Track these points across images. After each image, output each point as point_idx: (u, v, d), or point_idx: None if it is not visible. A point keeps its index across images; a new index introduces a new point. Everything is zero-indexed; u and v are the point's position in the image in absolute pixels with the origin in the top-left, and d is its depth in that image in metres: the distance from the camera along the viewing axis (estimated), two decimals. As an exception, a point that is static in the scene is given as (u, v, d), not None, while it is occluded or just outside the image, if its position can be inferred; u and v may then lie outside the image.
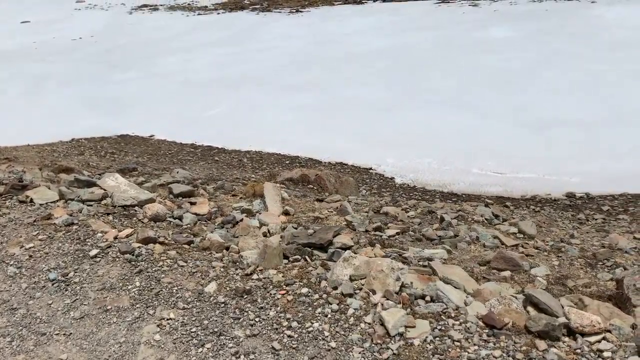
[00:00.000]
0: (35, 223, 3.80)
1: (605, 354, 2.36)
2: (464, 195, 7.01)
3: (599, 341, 2.44)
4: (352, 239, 3.98)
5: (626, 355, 2.34)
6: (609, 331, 2.51)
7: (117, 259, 3.34)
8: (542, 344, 2.42)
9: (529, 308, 2.78)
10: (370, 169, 8.03)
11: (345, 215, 4.94)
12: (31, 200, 4.22)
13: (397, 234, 4.56)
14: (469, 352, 2.40)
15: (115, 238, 3.58)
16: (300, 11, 21.93)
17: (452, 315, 2.66)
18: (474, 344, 2.45)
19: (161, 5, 26.29)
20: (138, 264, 3.28)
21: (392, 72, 12.67)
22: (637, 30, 14.09)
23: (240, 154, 8.80)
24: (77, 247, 3.47)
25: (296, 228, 4.34)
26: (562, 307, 2.71)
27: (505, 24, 16.34)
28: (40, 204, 4.18)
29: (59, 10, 26.22)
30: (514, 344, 2.44)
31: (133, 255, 3.35)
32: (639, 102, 9.57)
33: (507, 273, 3.59)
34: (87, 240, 3.56)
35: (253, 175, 7.66)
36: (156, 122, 10.27)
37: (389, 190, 7.22)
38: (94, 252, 3.39)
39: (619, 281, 3.14)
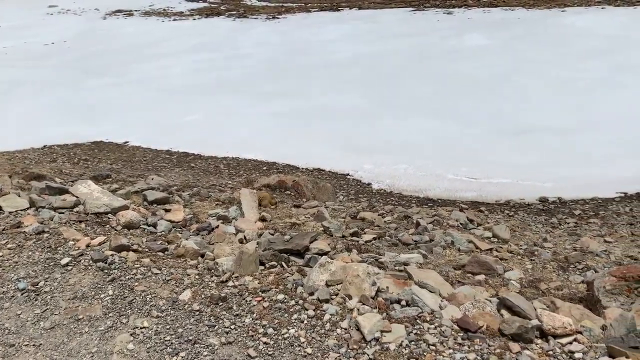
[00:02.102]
0: (4, 232, 3.70)
1: (577, 355, 2.40)
2: (439, 201, 7.09)
3: (571, 342, 2.48)
4: (329, 244, 3.99)
5: (597, 356, 2.38)
6: (580, 332, 2.56)
7: (90, 268, 3.27)
8: (515, 347, 2.45)
9: (503, 311, 2.81)
10: (348, 175, 8.06)
11: (322, 221, 4.94)
12: (0, 209, 4.12)
13: (374, 239, 4.59)
14: (444, 356, 2.42)
15: (88, 246, 3.51)
16: (277, 17, 21.96)
17: (428, 319, 2.67)
18: (449, 348, 2.47)
19: (136, 10, 26.03)
20: (111, 272, 3.22)
21: (368, 79, 12.76)
22: (606, 38, 14.48)
23: (217, 160, 8.74)
24: (48, 256, 3.39)
25: (273, 234, 4.33)
26: (535, 310, 2.75)
27: (479, 32, 16.63)
28: (10, 212, 4.08)
29: (31, 15, 25.77)
30: (488, 347, 2.47)
31: (106, 263, 3.29)
32: (609, 109, 9.82)
33: (481, 277, 3.63)
34: (58, 248, 3.48)
35: (230, 182, 7.62)
36: (131, 129, 10.15)
37: (366, 196, 7.26)
38: (65, 260, 3.32)
39: (589, 283, 3.21)
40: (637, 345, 2.37)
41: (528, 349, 2.45)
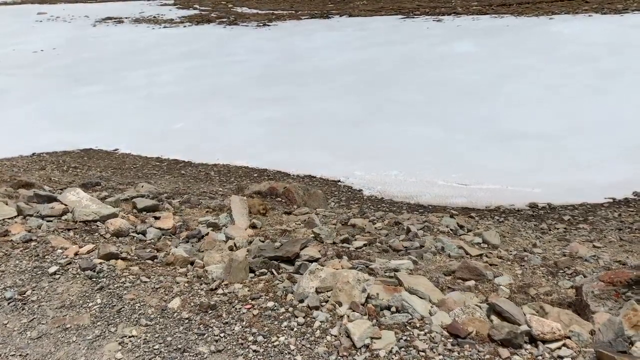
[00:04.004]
0: (-10, 240, 3.67)
1: (566, 360, 2.41)
2: (430, 207, 7.10)
3: (560, 348, 2.49)
4: (319, 251, 3.98)
5: (585, 361, 2.40)
6: (569, 337, 2.57)
7: (78, 276, 3.24)
8: (505, 352, 2.46)
9: (493, 317, 2.82)
10: (339, 181, 8.06)
11: (313, 227, 4.94)
12: (-13, 217, 4.08)
13: (365, 245, 4.59)
14: (434, 362, 2.42)
15: (76, 254, 3.49)
16: (268, 25, 22.01)
17: (417, 325, 2.67)
18: (439, 354, 2.47)
19: (126, 17, 25.98)
20: (99, 280, 3.20)
21: (359, 86, 12.81)
22: (592, 45, 14.65)
23: (207, 167, 8.71)
24: (36, 264, 3.36)
25: (263, 241, 4.32)
26: (524, 315, 2.76)
27: (468, 39, 16.76)
28: (-3, 221, 4.04)
29: (20, 23, 25.64)
30: (478, 353, 2.47)
31: (94, 271, 3.27)
32: (597, 115, 9.92)
33: (471, 282, 3.64)
34: (46, 257, 3.45)
35: (220, 189, 7.60)
36: (121, 136, 10.11)
37: (357, 203, 7.26)
38: (53, 269, 3.29)
39: (578, 288, 3.22)
40: (625, 350, 2.39)
41: (517, 355, 2.46)
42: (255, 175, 8.35)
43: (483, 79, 12.60)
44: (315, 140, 9.52)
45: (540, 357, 2.44)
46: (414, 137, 9.41)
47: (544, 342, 2.53)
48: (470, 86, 12.09)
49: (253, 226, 4.92)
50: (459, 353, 2.47)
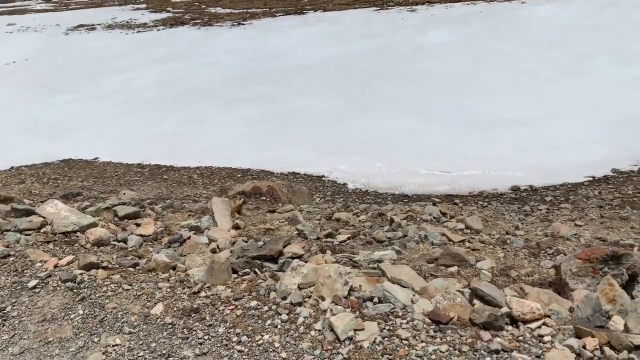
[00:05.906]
0: (-32, 258, 3.61)
1: (546, 339, 2.44)
2: (414, 196, 7.15)
3: (540, 327, 2.52)
4: (303, 247, 3.98)
5: (565, 338, 2.43)
6: (549, 316, 2.60)
7: (58, 288, 3.21)
8: (486, 335, 2.48)
9: (475, 301, 2.84)
10: (323, 176, 8.08)
11: (296, 224, 4.93)
12: (-37, 235, 4.01)
13: (348, 238, 4.59)
14: (417, 350, 2.43)
15: (56, 266, 3.44)
16: (242, 24, 21.90)
17: (400, 314, 2.69)
18: (422, 341, 2.49)
19: (98, 24, 25.68)
20: (80, 291, 3.17)
21: (338, 81, 12.83)
22: (565, 27, 14.81)
23: (190, 170, 8.67)
24: (15, 280, 3.32)
25: (246, 241, 4.30)
26: (506, 297, 2.79)
27: (443, 28, 16.85)
28: (-26, 238, 3.97)
29: (-10, 35, 25.23)
30: (460, 337, 2.49)
31: (75, 282, 3.23)
32: (572, 97, 10.05)
33: (454, 268, 3.67)
34: (25, 271, 3.41)
35: (204, 192, 7.57)
36: (100, 144, 10.02)
37: (342, 196, 7.28)
38: (32, 283, 3.25)
39: (557, 267, 3.26)
40: (602, 325, 2.43)
41: (499, 337, 2.48)
42: (239, 175, 8.33)
43: (459, 68, 12.69)
44: (298, 138, 9.52)
45: (521, 337, 2.47)
46: (396, 129, 9.46)
47: (525, 322, 2.56)
48: (447, 76, 12.17)
49: (236, 227, 4.90)
50: (441, 339, 2.49)
